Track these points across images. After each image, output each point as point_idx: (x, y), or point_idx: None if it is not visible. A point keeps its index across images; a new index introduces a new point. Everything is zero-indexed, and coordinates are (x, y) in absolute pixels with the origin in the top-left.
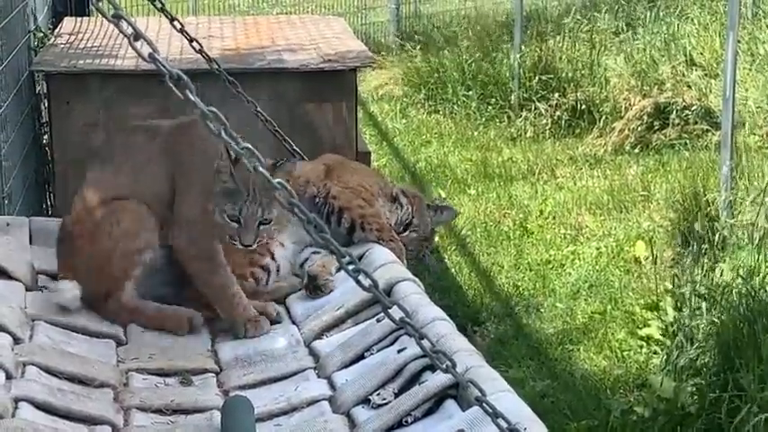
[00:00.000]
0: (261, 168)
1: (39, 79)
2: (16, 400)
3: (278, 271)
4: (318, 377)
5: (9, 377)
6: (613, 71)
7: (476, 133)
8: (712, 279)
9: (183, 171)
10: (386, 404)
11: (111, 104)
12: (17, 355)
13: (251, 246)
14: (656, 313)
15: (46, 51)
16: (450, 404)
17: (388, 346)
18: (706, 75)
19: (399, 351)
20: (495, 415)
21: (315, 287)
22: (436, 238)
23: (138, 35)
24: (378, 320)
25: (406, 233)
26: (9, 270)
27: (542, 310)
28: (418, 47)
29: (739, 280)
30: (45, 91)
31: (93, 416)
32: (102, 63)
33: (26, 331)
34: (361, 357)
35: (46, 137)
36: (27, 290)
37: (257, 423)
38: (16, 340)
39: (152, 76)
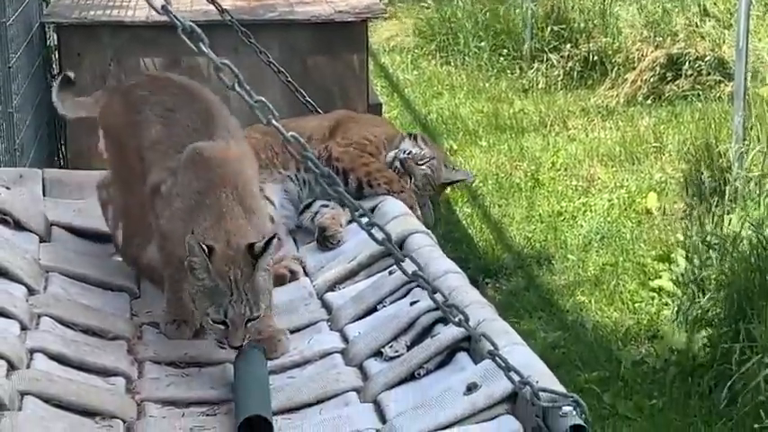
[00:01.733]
0: (274, 122)
1: (49, 31)
2: (31, 351)
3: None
4: (331, 330)
5: (24, 328)
6: (626, 21)
7: (487, 84)
8: (723, 230)
9: None
10: (398, 357)
11: (121, 56)
12: (32, 306)
13: (241, 346)
14: (667, 264)
15: (56, 3)
16: (462, 357)
17: (400, 299)
18: (719, 25)
19: (412, 304)
20: (507, 368)
21: (324, 238)
22: (447, 190)
23: None
24: (390, 273)
25: (424, 166)
26: (23, 221)
27: (554, 262)
28: None
29: (750, 230)
30: (56, 42)
31: (107, 367)
32: (113, 15)
33: (40, 282)
34: (373, 310)
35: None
36: (41, 241)
37: (271, 375)
38: (31, 291)
39: (163, 27)
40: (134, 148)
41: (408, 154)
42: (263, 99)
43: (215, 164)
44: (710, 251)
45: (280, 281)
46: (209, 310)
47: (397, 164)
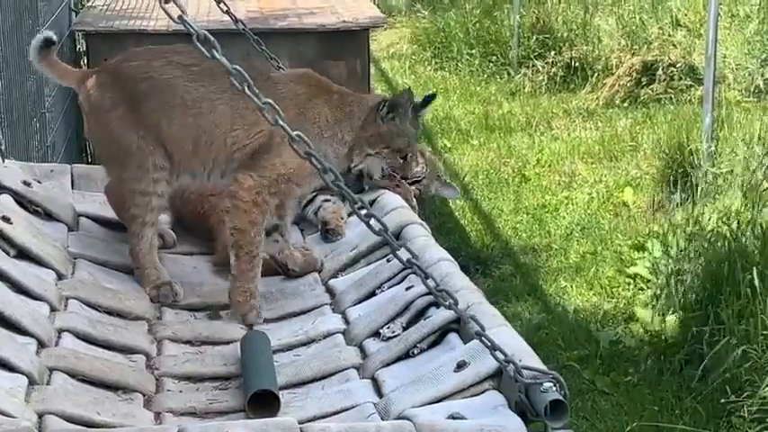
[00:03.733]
0: (281, 121)
1: (79, 38)
2: (60, 331)
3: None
4: (334, 312)
5: (53, 309)
6: (605, 31)
7: (478, 88)
8: (694, 222)
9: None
10: (395, 337)
11: None
12: (60, 289)
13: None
14: (642, 253)
15: (85, 13)
16: (452, 337)
17: (397, 285)
18: (690, 35)
19: (407, 289)
20: (493, 348)
21: (327, 231)
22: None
23: None
24: (388, 261)
25: (413, 186)
26: (53, 212)
27: (538, 251)
28: (426, 9)
29: (719, 223)
30: (85, 49)
31: (129, 345)
32: (137, 24)
33: (69, 268)
34: (372, 294)
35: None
36: (69, 230)
37: (277, 353)
38: (60, 276)
39: (181, 35)
40: (134, 120)
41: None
42: (270, 101)
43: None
44: (682, 241)
45: (311, 264)
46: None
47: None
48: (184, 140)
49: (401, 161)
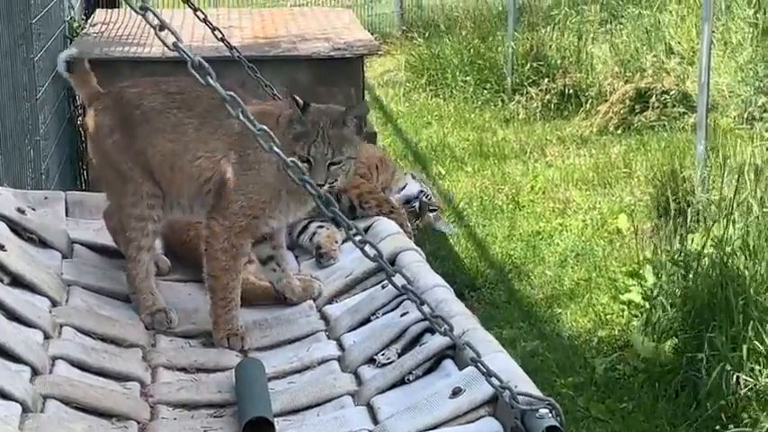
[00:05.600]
0: (275, 148)
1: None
2: (53, 358)
3: None
4: (328, 339)
5: (47, 337)
6: (599, 58)
7: (472, 115)
8: (688, 248)
9: (247, 161)
10: (390, 363)
11: None
12: (54, 316)
13: (323, 185)
14: (636, 280)
15: (80, 40)
16: (448, 363)
17: (392, 311)
18: (683, 62)
19: (402, 315)
20: (488, 374)
21: (320, 256)
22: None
23: (163, 26)
24: (383, 287)
25: (431, 214)
26: (47, 239)
27: (533, 277)
28: (421, 36)
29: (712, 249)
30: None
31: (123, 373)
32: (131, 51)
33: (63, 295)
34: (367, 321)
35: (80, 118)
36: (63, 257)
37: (272, 380)
38: (54, 303)
39: (176, 62)
40: (126, 147)
41: (428, 198)
42: (265, 127)
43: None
44: (676, 267)
45: (309, 293)
46: (296, 147)
47: (416, 203)
48: (164, 168)
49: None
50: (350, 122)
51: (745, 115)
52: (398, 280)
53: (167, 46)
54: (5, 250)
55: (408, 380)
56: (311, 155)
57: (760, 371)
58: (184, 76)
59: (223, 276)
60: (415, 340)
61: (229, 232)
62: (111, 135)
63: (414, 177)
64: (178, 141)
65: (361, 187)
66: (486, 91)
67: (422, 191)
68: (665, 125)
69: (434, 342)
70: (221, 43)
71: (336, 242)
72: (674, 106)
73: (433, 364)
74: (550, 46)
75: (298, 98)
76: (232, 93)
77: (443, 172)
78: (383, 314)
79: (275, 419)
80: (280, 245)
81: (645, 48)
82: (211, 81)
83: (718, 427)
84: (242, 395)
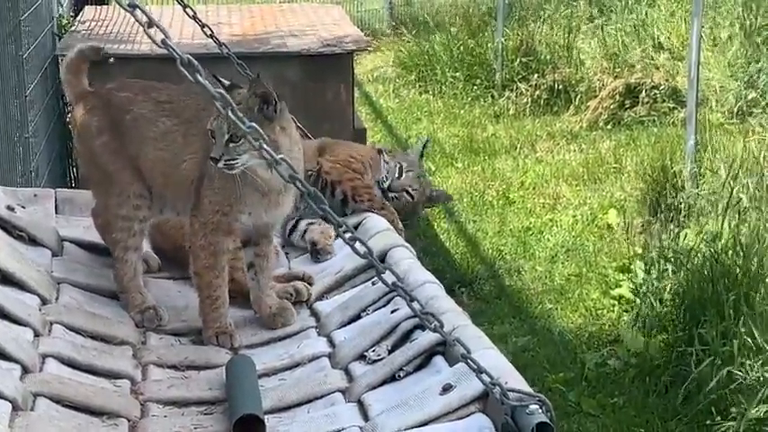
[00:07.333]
0: (265, 145)
1: (63, 63)
2: (44, 356)
3: None
4: (319, 335)
5: (37, 335)
6: (588, 54)
7: (462, 111)
8: (678, 243)
9: None
10: (380, 360)
11: None
12: (44, 314)
13: (218, 160)
14: (627, 275)
15: (69, 37)
16: (438, 360)
17: (382, 307)
18: (673, 57)
19: (393, 311)
20: (478, 371)
21: (316, 251)
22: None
23: (151, 23)
24: (373, 284)
25: (404, 194)
26: (37, 237)
27: (523, 273)
28: (410, 32)
29: (703, 244)
30: None
31: (113, 370)
32: (121, 48)
33: (53, 293)
34: (357, 317)
35: (69, 116)
36: (53, 255)
37: (263, 377)
38: (44, 301)
39: (166, 59)
40: (116, 149)
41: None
42: (255, 125)
43: None
44: (666, 263)
45: (279, 321)
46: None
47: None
48: (156, 174)
49: None
50: (252, 103)
51: (735, 110)
52: (388, 277)
53: (156, 43)
54: None
55: (399, 376)
56: (212, 128)
57: (750, 365)
58: (173, 84)
59: (206, 274)
60: (406, 337)
61: (205, 229)
62: (100, 136)
63: (384, 152)
64: (167, 150)
65: (356, 182)
66: (475, 87)
67: (399, 165)
68: (654, 120)
69: (425, 339)
70: (210, 40)
71: (330, 237)
72: (663, 101)
73: (424, 360)
74: (540, 41)
75: (222, 79)
76: (220, 90)
77: (434, 168)
78: (373, 311)
79: (266, 416)
80: (263, 254)
81: (634, 43)
82: (200, 78)
83: (708, 422)
84: (232, 392)
